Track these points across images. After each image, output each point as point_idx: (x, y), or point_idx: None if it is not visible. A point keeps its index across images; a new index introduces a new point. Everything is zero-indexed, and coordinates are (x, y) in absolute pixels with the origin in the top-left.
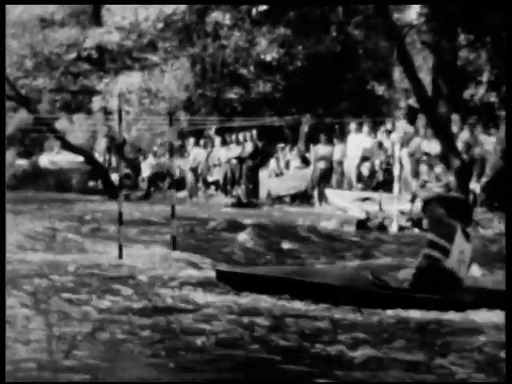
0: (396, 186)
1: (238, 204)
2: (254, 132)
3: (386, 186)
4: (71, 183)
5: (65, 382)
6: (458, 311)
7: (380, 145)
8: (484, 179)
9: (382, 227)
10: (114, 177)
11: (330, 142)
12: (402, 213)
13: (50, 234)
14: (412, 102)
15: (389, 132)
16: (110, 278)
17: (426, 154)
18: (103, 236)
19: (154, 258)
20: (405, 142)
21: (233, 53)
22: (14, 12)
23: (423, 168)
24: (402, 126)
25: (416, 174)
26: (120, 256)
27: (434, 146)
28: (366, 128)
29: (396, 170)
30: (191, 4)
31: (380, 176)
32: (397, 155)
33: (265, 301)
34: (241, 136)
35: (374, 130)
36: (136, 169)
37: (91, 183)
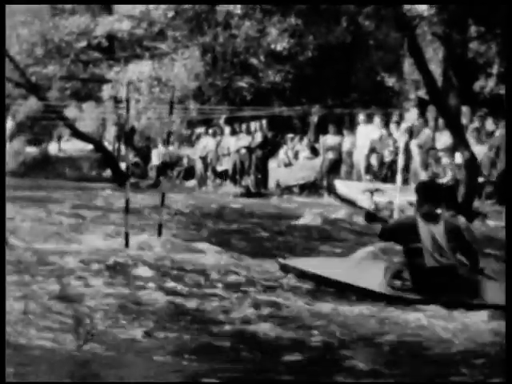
0: (399, 178)
1: (247, 194)
2: (264, 122)
3: (394, 177)
4: (80, 171)
5: (65, 382)
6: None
7: (389, 136)
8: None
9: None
10: (124, 165)
11: (339, 132)
12: (411, 204)
13: (59, 221)
14: (422, 93)
15: (398, 123)
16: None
17: (432, 148)
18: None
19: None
20: (414, 134)
21: (243, 42)
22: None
23: (432, 160)
24: (411, 117)
25: (425, 165)
26: (126, 244)
27: (443, 138)
28: (375, 119)
29: (400, 161)
30: (198, 4)
31: (388, 167)
32: (401, 146)
33: None
34: (251, 126)
35: (383, 121)
36: (145, 157)
37: (101, 171)
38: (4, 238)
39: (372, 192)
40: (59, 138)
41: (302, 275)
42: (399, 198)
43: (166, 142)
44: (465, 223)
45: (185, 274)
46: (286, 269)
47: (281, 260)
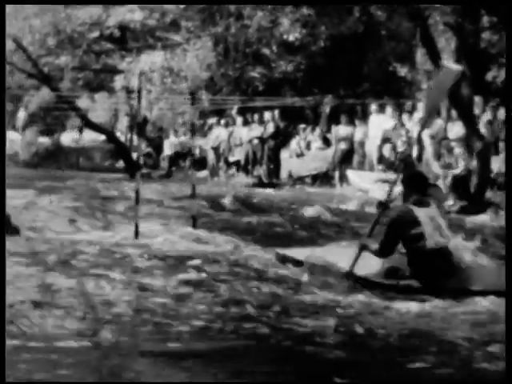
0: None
1: (259, 184)
2: (276, 112)
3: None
4: (93, 162)
5: (66, 381)
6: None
7: (402, 126)
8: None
9: None
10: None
11: (351, 122)
12: None
13: (73, 212)
14: None
15: (410, 113)
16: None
17: (445, 138)
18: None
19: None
20: (426, 124)
21: (255, 32)
22: None
23: (445, 150)
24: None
25: (438, 156)
26: (136, 236)
27: (456, 129)
28: (387, 109)
29: (414, 152)
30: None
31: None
32: (415, 137)
33: None
34: (263, 116)
35: (396, 111)
36: (158, 148)
37: (113, 162)
38: (4, 239)
39: (384, 182)
40: (80, 129)
41: (299, 264)
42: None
43: (192, 133)
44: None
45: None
46: (283, 259)
47: (278, 250)
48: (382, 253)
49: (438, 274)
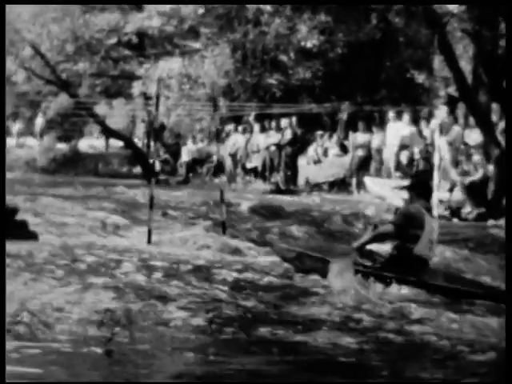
0: (436, 175)
1: (277, 191)
2: (294, 119)
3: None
4: (111, 168)
5: (67, 382)
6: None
7: (419, 133)
8: None
9: None
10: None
11: (368, 129)
12: (441, 201)
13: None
14: (452, 90)
15: (428, 120)
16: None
17: (465, 143)
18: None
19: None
20: (444, 131)
21: (273, 39)
22: None
23: (462, 157)
24: (441, 114)
25: (456, 163)
26: (149, 241)
27: (474, 136)
28: (405, 116)
29: (436, 159)
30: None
31: (420, 164)
32: (437, 143)
33: None
34: (280, 123)
35: (413, 118)
36: (175, 154)
37: (131, 168)
38: (4, 239)
39: (401, 189)
40: (107, 137)
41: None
42: (435, 195)
43: (216, 139)
44: None
45: None
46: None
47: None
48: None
49: (414, 273)
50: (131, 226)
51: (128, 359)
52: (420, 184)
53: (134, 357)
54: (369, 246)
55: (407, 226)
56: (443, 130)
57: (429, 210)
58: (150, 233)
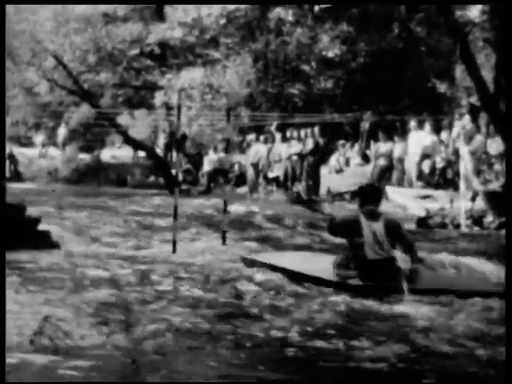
0: (462, 184)
1: (298, 200)
2: (316, 129)
3: (446, 183)
4: (132, 178)
5: (66, 381)
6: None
7: (441, 142)
8: None
9: (443, 225)
10: (175, 172)
11: (390, 139)
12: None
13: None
14: (474, 100)
15: (449, 130)
16: None
17: (486, 152)
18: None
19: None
20: (466, 140)
21: (295, 49)
22: (77, 7)
23: (484, 166)
24: (463, 123)
25: (478, 172)
26: (174, 250)
27: (495, 145)
28: (427, 125)
29: (462, 168)
30: (253, 4)
31: (448, 174)
32: (461, 153)
33: None
34: (302, 132)
35: (435, 127)
36: (197, 164)
37: (153, 178)
38: (4, 240)
39: (423, 198)
40: (135, 149)
41: (262, 266)
42: (458, 205)
43: (225, 150)
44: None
45: None
46: (250, 263)
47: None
48: (328, 231)
49: (378, 278)
50: (151, 235)
51: None
52: (368, 189)
53: None
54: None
55: (342, 235)
56: (465, 139)
57: (374, 215)
58: (174, 243)
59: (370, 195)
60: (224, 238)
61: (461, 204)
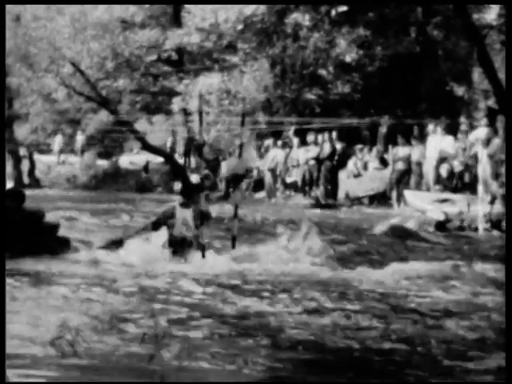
0: (480, 188)
1: (317, 205)
2: (334, 133)
3: (465, 187)
4: (150, 183)
5: (65, 381)
6: None
7: (459, 146)
8: None
9: (462, 229)
10: (194, 177)
11: (408, 143)
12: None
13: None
14: (492, 103)
15: (467, 133)
16: None
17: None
18: None
19: None
20: (484, 144)
21: (312, 54)
22: (94, 13)
23: (503, 170)
24: (482, 128)
25: (496, 175)
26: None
27: None
28: (445, 129)
29: (480, 171)
30: (271, 4)
31: (466, 177)
32: (480, 156)
33: None
34: (319, 137)
35: (452, 131)
36: (215, 169)
37: (171, 184)
38: (4, 241)
39: (442, 202)
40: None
41: None
42: (482, 208)
43: (239, 155)
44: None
45: None
46: None
47: None
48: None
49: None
50: None
51: None
52: (184, 186)
53: None
54: None
55: (164, 217)
56: (484, 142)
57: (185, 204)
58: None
59: (182, 190)
60: (234, 244)
61: (478, 208)
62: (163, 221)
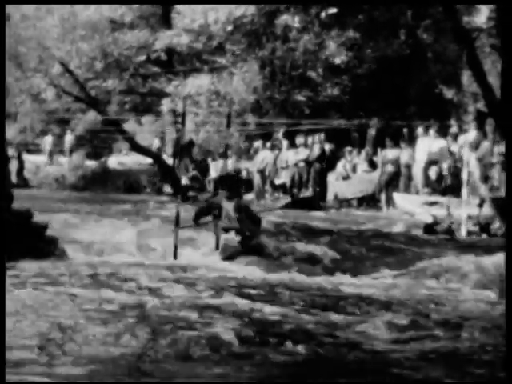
0: (465, 191)
1: (294, 203)
2: (322, 135)
3: (453, 190)
4: (139, 185)
5: (65, 381)
6: None
7: (448, 149)
8: None
9: (450, 232)
10: (183, 179)
11: (397, 145)
12: (470, 217)
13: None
14: (481, 106)
15: (456, 136)
16: None
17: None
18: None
19: None
20: (473, 147)
21: (302, 55)
22: (84, 13)
23: (492, 172)
24: (471, 130)
25: (485, 178)
26: (175, 256)
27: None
28: (434, 132)
29: (465, 175)
30: (261, 4)
31: (448, 180)
32: (465, 159)
33: None
34: (309, 139)
35: (442, 133)
36: (204, 171)
37: (159, 185)
38: (4, 241)
39: (430, 205)
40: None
41: None
42: (461, 211)
43: (224, 156)
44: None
45: None
46: None
47: None
48: (194, 220)
49: None
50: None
51: None
52: (225, 180)
53: None
54: None
55: (207, 208)
56: (472, 145)
57: (230, 198)
58: (175, 249)
59: (226, 185)
60: (217, 244)
61: (462, 211)
62: (206, 211)
